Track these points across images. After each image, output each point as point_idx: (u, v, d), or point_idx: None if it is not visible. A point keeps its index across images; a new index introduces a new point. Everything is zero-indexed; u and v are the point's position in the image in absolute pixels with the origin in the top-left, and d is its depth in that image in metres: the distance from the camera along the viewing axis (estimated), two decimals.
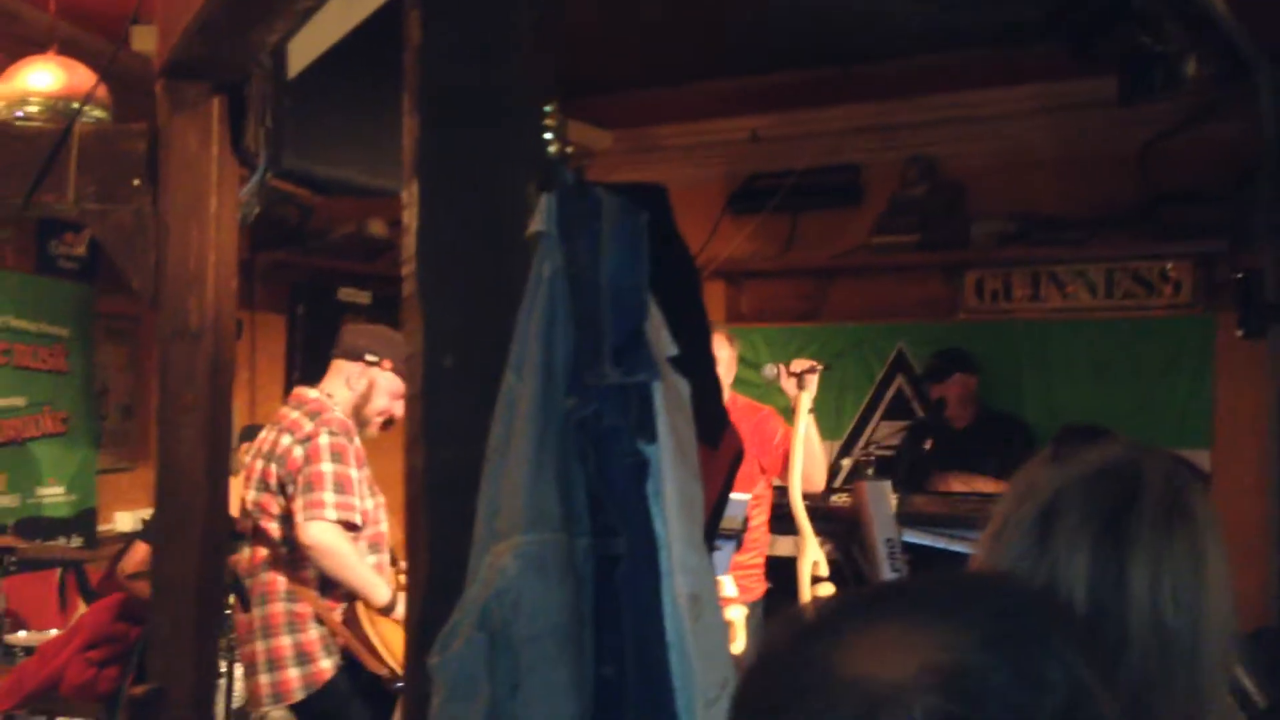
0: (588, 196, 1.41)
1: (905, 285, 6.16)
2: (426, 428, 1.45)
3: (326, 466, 3.63)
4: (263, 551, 3.74)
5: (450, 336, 1.45)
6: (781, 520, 4.60)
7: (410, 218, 1.47)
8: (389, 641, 3.64)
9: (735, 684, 0.79)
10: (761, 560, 4.56)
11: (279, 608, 3.67)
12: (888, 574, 4.93)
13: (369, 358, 3.95)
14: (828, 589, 4.19)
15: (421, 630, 1.43)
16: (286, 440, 3.73)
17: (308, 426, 3.73)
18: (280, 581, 3.70)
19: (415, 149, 1.46)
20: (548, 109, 1.43)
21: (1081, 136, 5.66)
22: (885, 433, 5.99)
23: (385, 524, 3.90)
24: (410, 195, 1.47)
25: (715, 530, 1.65)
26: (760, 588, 4.49)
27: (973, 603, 0.74)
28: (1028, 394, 5.76)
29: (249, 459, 3.90)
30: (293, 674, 3.64)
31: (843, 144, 6.26)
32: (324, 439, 3.68)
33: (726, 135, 6.53)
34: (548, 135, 1.44)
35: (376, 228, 6.74)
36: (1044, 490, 1.27)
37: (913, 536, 5.00)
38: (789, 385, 4.28)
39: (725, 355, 4.35)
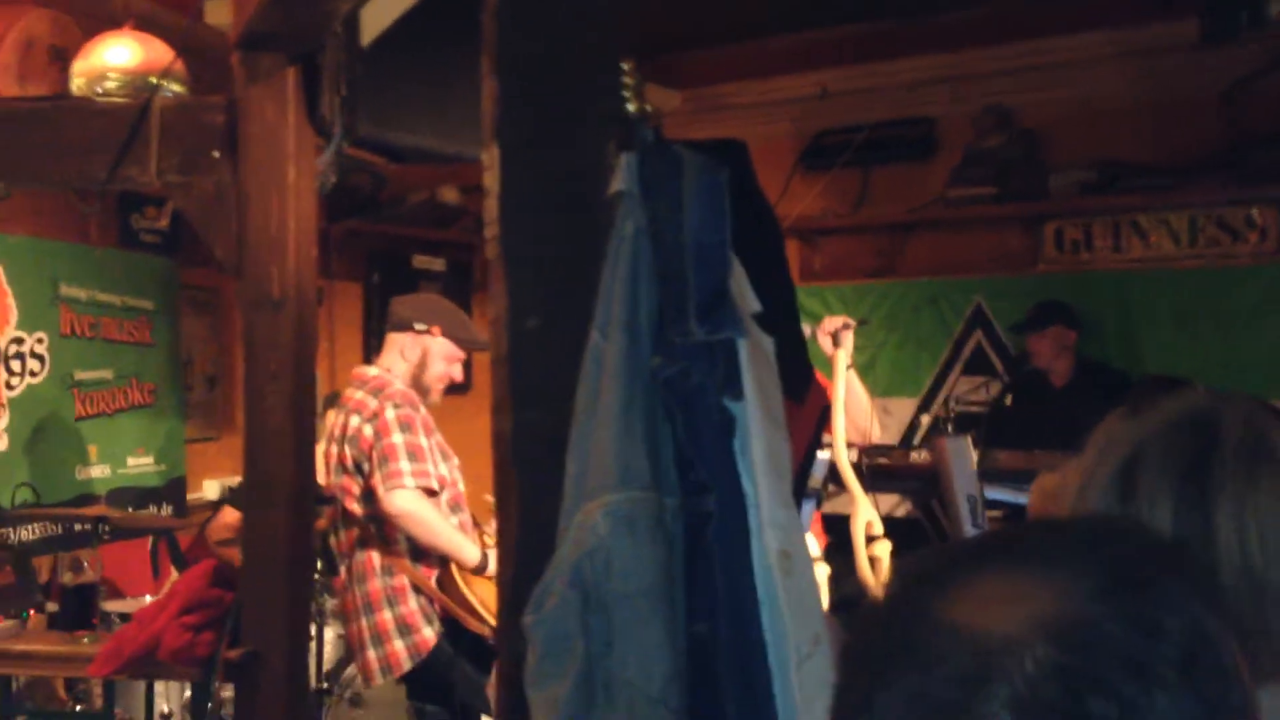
0: (668, 154, 1.41)
1: (982, 238, 6.07)
2: (513, 390, 1.46)
3: (397, 438, 3.68)
4: (353, 532, 3.81)
5: (534, 298, 1.46)
6: (875, 478, 4.55)
7: (491, 181, 1.47)
8: (486, 600, 3.70)
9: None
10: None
11: (376, 584, 3.75)
12: (969, 531, 4.89)
13: (418, 326, 3.99)
14: (884, 547, 4.15)
15: (514, 590, 1.44)
16: (355, 421, 3.78)
17: (373, 404, 3.78)
18: (374, 558, 3.77)
19: (495, 112, 1.46)
20: (626, 68, 1.43)
21: (1162, 81, 5.53)
22: (964, 388, 5.93)
23: (462, 484, 3.94)
24: (491, 158, 1.47)
25: (804, 486, 1.64)
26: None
27: (1084, 551, 0.72)
28: (1111, 347, 5.66)
29: (323, 445, 3.96)
30: (398, 646, 3.72)
31: (914, 96, 6.17)
32: (390, 413, 3.73)
33: (795, 91, 6.46)
34: (627, 94, 1.44)
35: (449, 194, 6.77)
36: (1123, 444, 1.25)
37: (995, 493, 4.95)
38: (824, 343, 4.19)
39: None
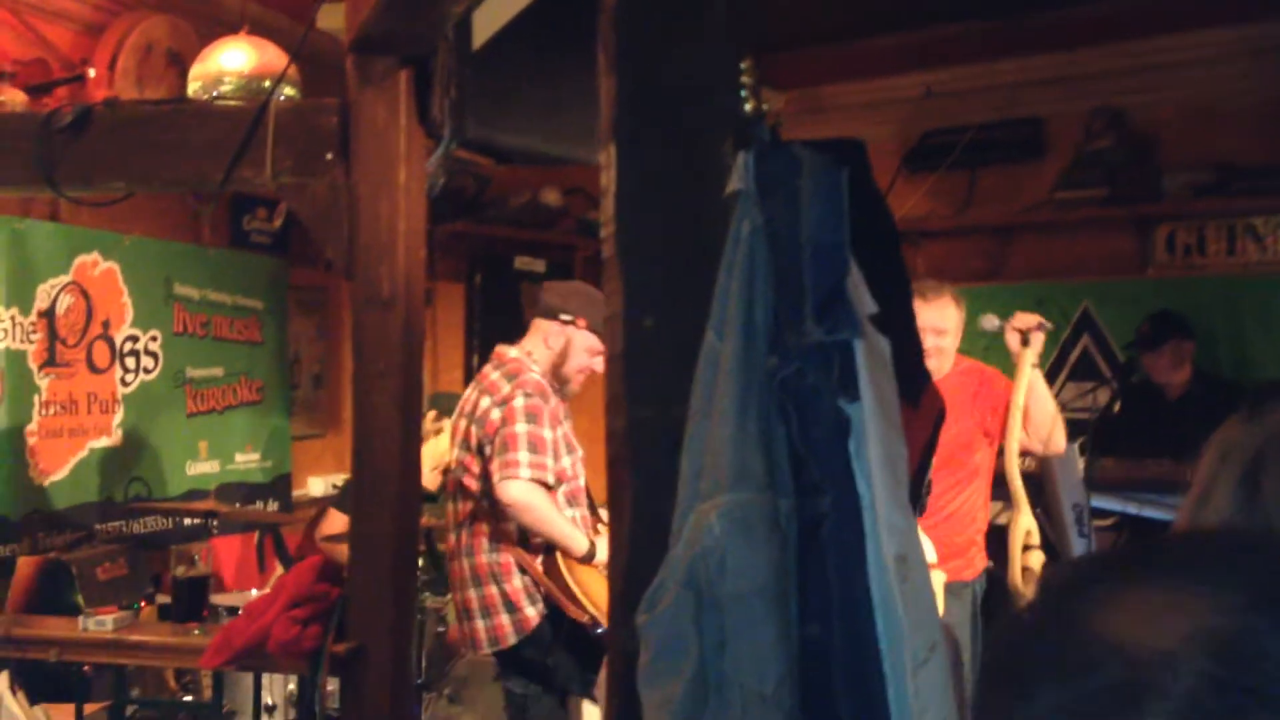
0: (786, 153, 1.40)
1: (1091, 241, 5.96)
2: (627, 388, 1.46)
3: (521, 428, 3.70)
4: (467, 506, 3.86)
5: (650, 297, 1.46)
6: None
7: (608, 179, 1.47)
8: (589, 588, 3.72)
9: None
10: (972, 538, 4.35)
11: (483, 559, 3.80)
12: (1074, 540, 4.80)
13: (564, 316, 4.00)
14: (1038, 557, 4.06)
15: (625, 588, 1.44)
16: (485, 402, 3.82)
17: (505, 389, 3.81)
18: (483, 534, 3.82)
19: (612, 110, 1.46)
20: (744, 66, 1.42)
21: None
22: (1071, 394, 5.82)
23: (583, 478, 3.96)
24: (608, 157, 1.48)
25: (919, 491, 1.62)
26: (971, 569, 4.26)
27: (1239, 564, 0.70)
28: (1223, 353, 5.51)
29: (454, 418, 4.02)
30: (504, 620, 3.78)
31: (1022, 96, 6.07)
32: (519, 401, 3.76)
33: (899, 92, 6.40)
34: (744, 93, 1.43)
35: (551, 196, 6.82)
36: (1245, 449, 1.21)
37: (1102, 501, 4.85)
38: (1012, 340, 4.07)
39: (953, 317, 4.21)
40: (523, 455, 3.67)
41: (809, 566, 1.32)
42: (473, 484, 3.83)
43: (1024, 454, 4.24)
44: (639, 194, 1.47)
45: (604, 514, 3.96)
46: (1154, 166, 5.80)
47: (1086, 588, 0.73)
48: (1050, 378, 5.98)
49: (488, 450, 3.76)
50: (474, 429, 3.82)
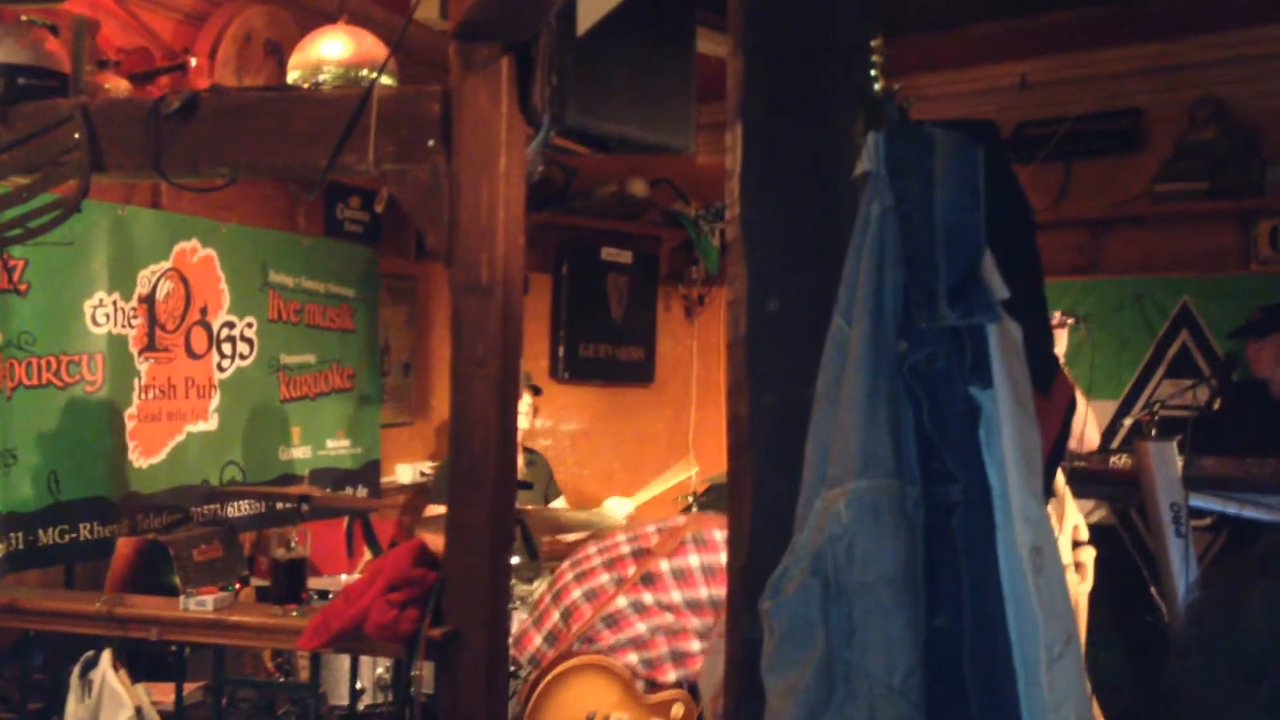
0: (917, 133, 1.37)
1: (1191, 235, 5.81)
2: (751, 373, 1.44)
3: None
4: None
5: (774, 280, 1.44)
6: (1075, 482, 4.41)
7: (733, 160, 1.46)
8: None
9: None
10: None
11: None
12: (1172, 540, 4.69)
13: None
14: (1089, 553, 4.00)
15: (745, 575, 1.42)
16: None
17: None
18: None
19: (739, 89, 1.44)
20: (875, 44, 1.39)
21: None
22: (1168, 391, 5.69)
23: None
24: (734, 137, 1.46)
25: (1052, 481, 1.59)
26: None
27: None
28: None
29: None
30: None
31: (1122, 87, 5.94)
32: None
33: (994, 82, 6.30)
34: (874, 72, 1.40)
35: (637, 187, 6.81)
36: None
37: (1201, 501, 4.74)
38: None
39: None
40: None
41: (939, 556, 1.29)
42: None
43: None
44: (764, 175, 1.45)
45: None
46: (1258, 159, 5.65)
47: None
48: (1147, 374, 5.88)
49: None
50: None
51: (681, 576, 3.73)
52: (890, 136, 1.37)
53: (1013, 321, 1.39)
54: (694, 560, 3.74)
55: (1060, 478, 4.02)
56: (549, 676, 3.61)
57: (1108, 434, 5.76)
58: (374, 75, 3.23)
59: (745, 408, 1.44)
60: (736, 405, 1.45)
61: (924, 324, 1.31)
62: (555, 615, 3.79)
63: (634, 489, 5.91)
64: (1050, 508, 4.23)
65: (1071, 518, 3.96)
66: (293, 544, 3.45)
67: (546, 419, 6.82)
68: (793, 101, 1.45)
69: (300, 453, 5.45)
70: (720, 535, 3.74)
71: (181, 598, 3.25)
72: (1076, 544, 3.98)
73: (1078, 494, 5.35)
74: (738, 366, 1.45)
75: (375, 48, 3.40)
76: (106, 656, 3.22)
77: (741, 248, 1.44)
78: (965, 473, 1.30)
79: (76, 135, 3.22)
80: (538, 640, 3.79)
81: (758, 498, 1.44)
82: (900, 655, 1.27)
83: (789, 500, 1.37)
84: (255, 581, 4.48)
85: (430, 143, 3.06)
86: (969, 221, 1.31)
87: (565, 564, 3.88)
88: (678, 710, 3.72)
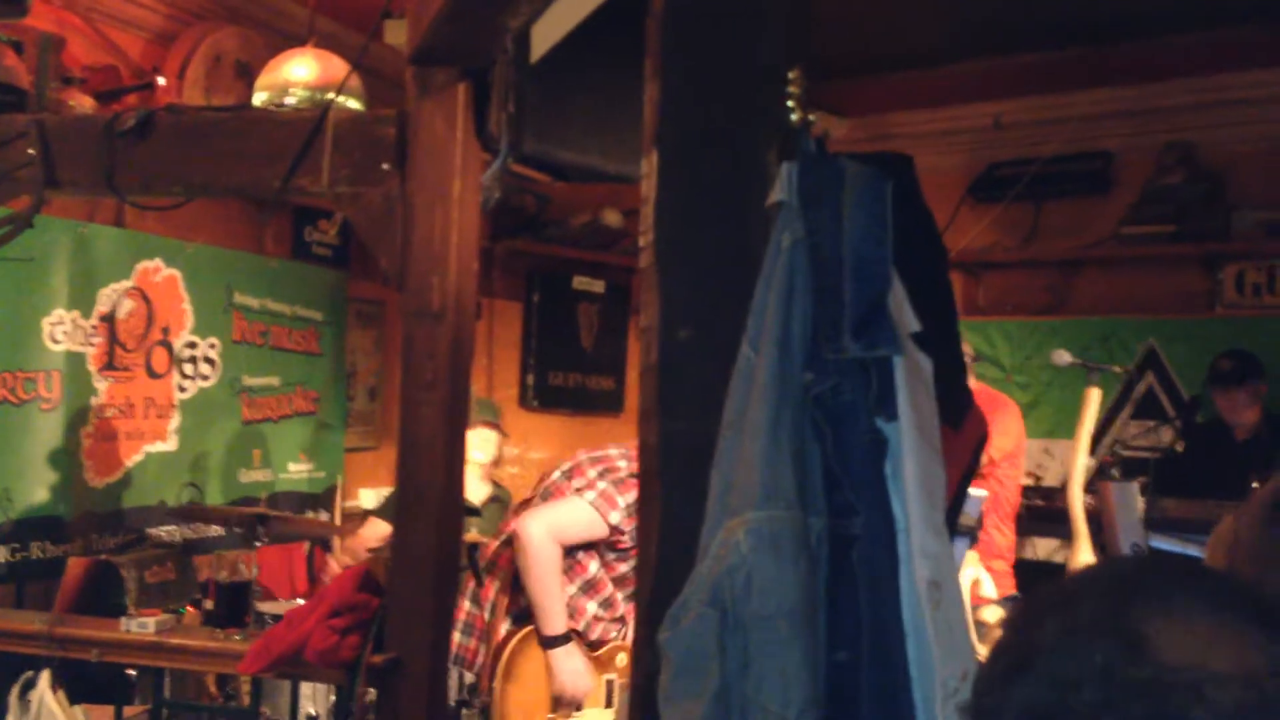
0: (830, 165, 1.37)
1: (1158, 278, 5.85)
2: (661, 400, 1.43)
3: (619, 496, 3.65)
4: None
5: (687, 308, 1.43)
6: (1035, 520, 4.41)
7: (649, 187, 1.45)
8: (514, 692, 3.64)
9: (1017, 631, 0.78)
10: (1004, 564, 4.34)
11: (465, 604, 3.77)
12: None
13: None
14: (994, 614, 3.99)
15: (651, 603, 1.41)
16: (620, 461, 3.76)
17: (591, 475, 3.75)
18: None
19: (655, 117, 1.44)
20: (792, 76, 1.39)
21: None
22: (1133, 432, 5.70)
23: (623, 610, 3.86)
24: (650, 164, 1.45)
25: (958, 516, 1.58)
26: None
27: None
28: None
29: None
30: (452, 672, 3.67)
31: (1092, 130, 5.98)
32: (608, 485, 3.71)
33: (968, 122, 6.34)
34: (791, 103, 1.40)
35: (611, 217, 6.81)
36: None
37: (1161, 542, 4.74)
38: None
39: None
40: (601, 483, 3.63)
41: (839, 589, 1.28)
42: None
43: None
44: (679, 203, 1.45)
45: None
46: (1224, 204, 5.69)
47: (1143, 594, 0.77)
48: (1113, 414, 5.89)
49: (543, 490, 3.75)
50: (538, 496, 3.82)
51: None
52: (803, 167, 1.36)
53: (923, 355, 1.39)
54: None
55: (1080, 515, 4.01)
56: (516, 638, 3.70)
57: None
58: (338, 99, 3.22)
59: (655, 436, 1.43)
60: (646, 433, 1.44)
61: (830, 355, 1.31)
62: None
63: None
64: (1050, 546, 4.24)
65: (1084, 558, 3.94)
66: (238, 567, 3.42)
67: (514, 447, 6.79)
68: (709, 130, 1.44)
69: (261, 475, 5.41)
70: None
71: (123, 619, 3.21)
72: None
73: (1041, 533, 5.36)
74: (649, 393, 1.44)
75: (342, 71, 3.40)
76: (45, 677, 3.18)
77: (654, 275, 1.44)
78: (867, 505, 1.29)
79: (31, 151, 3.20)
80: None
81: (665, 527, 1.42)
82: (796, 688, 1.26)
83: (696, 530, 1.36)
84: (207, 604, 4.44)
85: (385, 166, 3.06)
86: (876, 254, 1.31)
87: None
88: (622, 659, 3.81)
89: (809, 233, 1.34)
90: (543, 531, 3.60)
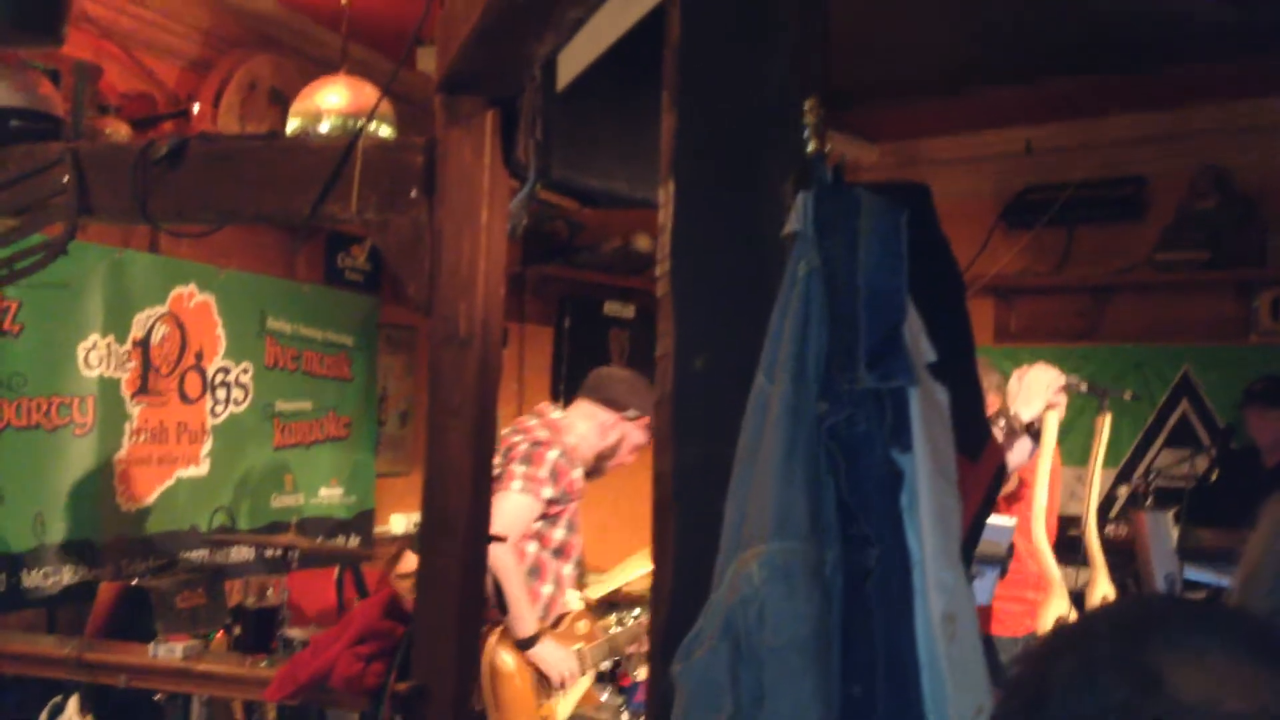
0: (846, 195, 1.37)
1: (1192, 304, 5.80)
2: (675, 430, 1.42)
3: (538, 471, 3.67)
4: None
5: (702, 337, 1.43)
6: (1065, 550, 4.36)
7: (665, 216, 1.45)
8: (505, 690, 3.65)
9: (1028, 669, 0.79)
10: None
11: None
12: None
13: (631, 414, 3.97)
14: None
15: (665, 635, 1.40)
16: (516, 438, 3.80)
17: (542, 435, 3.78)
18: None
19: (672, 146, 1.44)
20: (808, 106, 1.39)
21: None
22: (1167, 461, 5.65)
23: (570, 567, 3.93)
24: (666, 194, 1.45)
25: (973, 548, 1.56)
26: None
27: None
28: None
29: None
30: None
31: (1125, 154, 5.96)
32: (552, 453, 3.73)
33: (999, 147, 6.32)
34: (807, 133, 1.40)
35: (642, 242, 6.83)
36: None
37: (1195, 573, 4.69)
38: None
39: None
40: (517, 468, 3.63)
41: (853, 622, 1.27)
42: None
43: None
44: (696, 232, 1.45)
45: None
46: (1259, 229, 5.65)
47: (1160, 635, 0.78)
48: (1146, 443, 5.84)
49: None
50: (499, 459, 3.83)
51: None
52: (819, 197, 1.36)
53: (939, 385, 1.38)
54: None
55: (1096, 545, 3.94)
56: (490, 641, 3.74)
57: (1105, 503, 5.71)
58: (370, 126, 3.25)
59: (669, 464, 1.42)
60: (661, 462, 1.44)
61: (844, 386, 1.30)
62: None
63: (632, 546, 5.86)
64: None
65: (1101, 588, 3.86)
66: (266, 592, 3.43)
67: None
68: (725, 159, 1.45)
69: (292, 500, 5.44)
70: None
71: (151, 644, 3.23)
72: None
73: (1073, 562, 5.30)
74: (664, 422, 1.44)
75: (374, 97, 3.43)
76: (73, 702, 3.21)
77: (670, 304, 1.44)
78: (883, 537, 1.28)
79: (65, 178, 3.24)
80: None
81: (679, 556, 1.42)
82: None
83: (710, 560, 1.36)
84: (236, 630, 4.46)
85: (413, 193, 3.08)
86: (891, 284, 1.30)
87: None
88: (582, 626, 3.96)
89: (824, 262, 1.34)
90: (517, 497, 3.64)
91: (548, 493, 3.72)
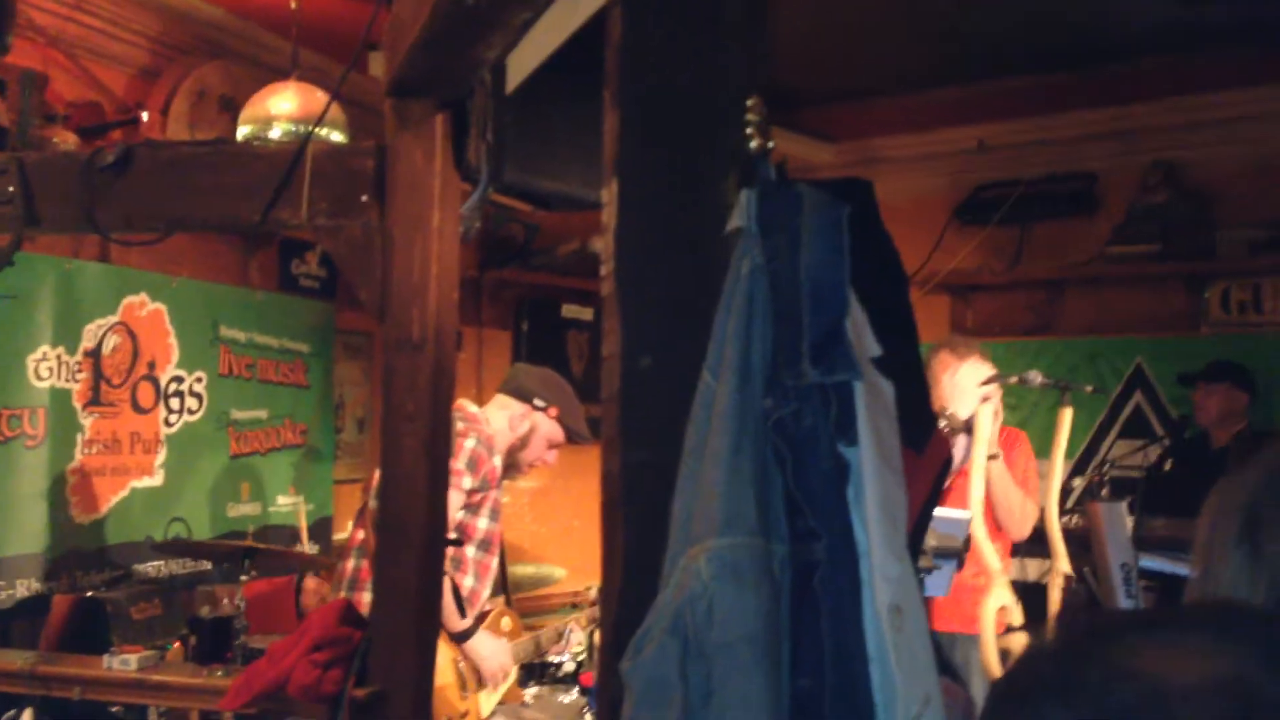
0: (788, 192, 1.37)
1: (1143, 297, 5.87)
2: (623, 429, 1.42)
3: (459, 464, 3.66)
4: (359, 535, 3.82)
5: (648, 336, 1.43)
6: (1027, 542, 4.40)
7: (609, 216, 1.45)
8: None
9: (1003, 673, 0.81)
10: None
11: (366, 597, 3.73)
12: (1122, 600, 4.68)
13: (538, 403, 3.97)
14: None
15: (615, 634, 1.40)
16: None
17: (458, 426, 3.77)
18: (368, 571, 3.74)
19: (615, 146, 1.44)
20: (750, 103, 1.40)
21: None
22: (1122, 452, 5.70)
23: (497, 559, 3.93)
24: (610, 194, 1.45)
25: (920, 540, 1.57)
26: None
27: (1258, 631, 0.79)
28: (1278, 412, 5.38)
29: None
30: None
31: (1076, 151, 6.01)
32: (469, 442, 3.72)
33: (952, 145, 6.37)
34: (750, 130, 1.41)
35: (599, 245, 6.79)
36: (1239, 501, 1.18)
37: (1150, 561, 4.73)
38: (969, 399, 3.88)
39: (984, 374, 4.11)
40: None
41: (802, 616, 1.28)
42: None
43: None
44: (640, 232, 1.45)
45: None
46: (1209, 223, 5.72)
47: (1111, 631, 0.79)
48: (1101, 435, 5.89)
49: None
50: None
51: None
52: (762, 194, 1.37)
53: (884, 379, 1.39)
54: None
55: (1058, 536, 3.98)
56: None
57: (1062, 494, 5.75)
58: (321, 131, 3.23)
59: (617, 464, 1.42)
60: (609, 462, 1.44)
61: (789, 381, 1.30)
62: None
63: (596, 545, 5.86)
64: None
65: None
66: (219, 601, 3.40)
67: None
68: (669, 158, 1.45)
69: (248, 509, 5.40)
70: None
71: (105, 656, 3.19)
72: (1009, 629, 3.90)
73: (1031, 554, 5.34)
74: (611, 422, 1.44)
75: (324, 103, 3.41)
76: (28, 715, 3.17)
77: (616, 304, 1.44)
78: (829, 531, 1.29)
79: (10, 189, 3.20)
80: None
81: (628, 556, 1.42)
82: (760, 717, 1.25)
83: (660, 559, 1.35)
84: (192, 640, 4.42)
85: (364, 198, 3.06)
86: (833, 279, 1.31)
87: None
88: (506, 623, 4.00)
89: (768, 259, 1.35)
90: None
91: (468, 483, 3.72)
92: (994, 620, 3.75)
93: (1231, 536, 1.15)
